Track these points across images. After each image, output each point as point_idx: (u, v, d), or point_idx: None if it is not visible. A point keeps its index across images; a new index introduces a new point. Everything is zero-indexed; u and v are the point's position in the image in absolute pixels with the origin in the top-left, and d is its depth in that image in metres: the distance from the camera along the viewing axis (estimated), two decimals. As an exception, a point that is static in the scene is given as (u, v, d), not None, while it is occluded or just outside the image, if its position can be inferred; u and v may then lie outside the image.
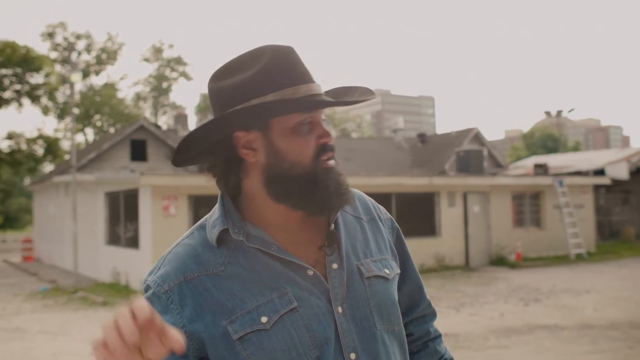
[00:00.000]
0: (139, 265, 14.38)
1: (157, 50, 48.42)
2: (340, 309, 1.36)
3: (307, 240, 1.41)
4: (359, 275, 1.41)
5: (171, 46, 49.36)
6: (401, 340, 1.48)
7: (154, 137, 25.52)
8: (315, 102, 1.34)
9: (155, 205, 13.96)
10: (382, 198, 15.99)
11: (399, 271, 1.53)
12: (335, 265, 1.39)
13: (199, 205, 14.54)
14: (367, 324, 1.39)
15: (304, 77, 1.36)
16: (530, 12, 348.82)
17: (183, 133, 28.31)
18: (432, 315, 1.69)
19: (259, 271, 1.35)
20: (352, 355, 1.35)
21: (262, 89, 1.32)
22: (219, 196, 1.44)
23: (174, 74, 48.90)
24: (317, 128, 1.37)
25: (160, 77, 48.29)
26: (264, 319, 1.30)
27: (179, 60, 48.46)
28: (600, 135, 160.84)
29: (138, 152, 25.24)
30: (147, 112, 48.96)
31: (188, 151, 1.38)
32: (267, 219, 1.39)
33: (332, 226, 1.43)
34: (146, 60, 48.70)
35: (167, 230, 13.93)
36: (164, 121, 48.97)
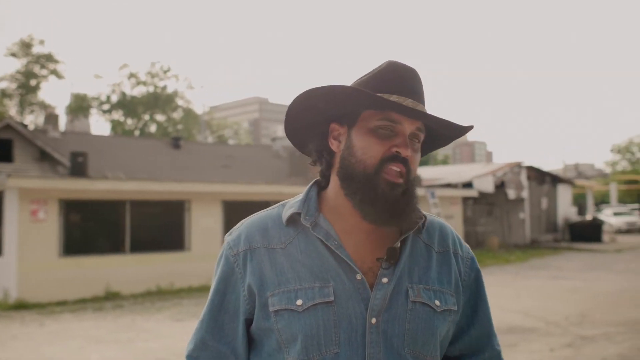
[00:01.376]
0: (2, 272, 13.50)
1: (26, 45, 45.86)
2: (374, 320, 1.41)
3: (370, 248, 1.48)
4: (405, 296, 1.45)
5: (42, 42, 46.65)
6: None
7: (20, 136, 24.13)
8: (397, 105, 1.39)
9: (23, 209, 13.18)
10: (262, 206, 15.96)
11: (455, 309, 1.53)
12: (385, 280, 1.44)
13: (71, 210, 13.89)
14: (397, 343, 1.42)
15: (402, 90, 1.45)
16: (398, 24, 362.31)
17: (54, 134, 26.94)
18: None
19: (312, 259, 1.46)
20: None
21: (368, 88, 1.45)
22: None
23: (44, 71, 46.51)
24: (398, 138, 1.43)
25: (28, 74, 45.76)
26: (299, 302, 1.41)
27: (50, 57, 46.14)
28: (467, 150, 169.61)
29: (3, 152, 23.78)
30: (13, 110, 46.22)
31: (294, 118, 1.52)
32: (340, 215, 1.49)
33: (398, 244, 1.48)
34: (13, 55, 45.99)
35: (35, 235, 13.19)
36: (31, 120, 46.41)
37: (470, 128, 1.50)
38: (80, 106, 45.35)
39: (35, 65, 46.25)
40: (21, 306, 12.53)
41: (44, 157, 24.38)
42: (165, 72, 47.67)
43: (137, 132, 46.78)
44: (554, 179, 31.16)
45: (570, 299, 12.90)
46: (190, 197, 15.77)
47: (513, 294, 13.67)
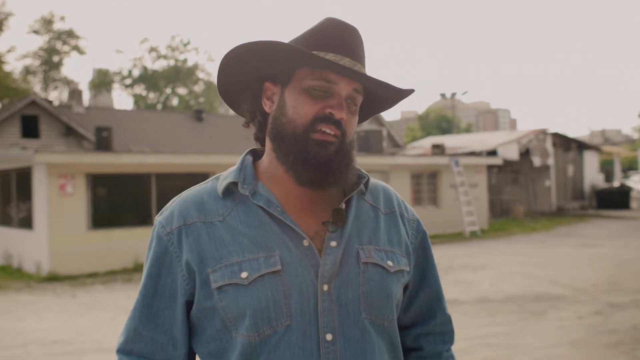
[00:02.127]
0: (34, 246, 13.75)
1: (48, 22, 45.98)
2: (325, 287, 1.32)
3: (314, 213, 1.40)
4: (356, 258, 1.37)
5: (62, 18, 46.74)
6: (392, 339, 1.43)
7: (46, 113, 24.35)
8: (333, 64, 1.32)
9: (51, 184, 13.35)
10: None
11: (407, 269, 1.47)
12: (334, 243, 1.36)
13: (98, 183, 14.05)
14: (352, 309, 1.34)
15: (339, 48, 1.36)
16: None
17: (78, 109, 27.15)
18: (450, 336, 1.60)
19: (254, 228, 1.36)
20: (329, 336, 1.32)
21: (301, 45, 1.37)
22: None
23: (66, 48, 46.67)
24: (333, 99, 1.35)
25: (50, 51, 45.96)
26: (243, 275, 1.31)
27: (71, 33, 46.19)
28: (490, 118, 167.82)
29: (29, 128, 24.04)
30: (37, 87, 46.58)
31: (225, 76, 1.44)
32: (278, 180, 1.41)
33: (343, 205, 1.40)
34: (35, 32, 46.18)
35: (63, 209, 13.38)
36: (55, 96, 46.76)
37: (411, 91, 1.43)
38: (102, 81, 45.51)
39: (57, 42, 46.42)
40: (53, 278, 12.77)
41: (69, 133, 24.60)
42: (185, 45, 47.56)
43: (159, 106, 46.92)
44: (580, 146, 30.78)
45: (598, 266, 12.82)
46: (214, 169, 15.84)
47: (540, 262, 13.62)
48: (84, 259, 13.49)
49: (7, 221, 15.81)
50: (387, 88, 1.40)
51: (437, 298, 1.57)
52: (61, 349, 7.38)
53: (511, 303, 9.31)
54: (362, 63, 1.39)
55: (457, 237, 19.85)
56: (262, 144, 1.47)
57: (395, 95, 1.45)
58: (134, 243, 14.08)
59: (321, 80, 1.34)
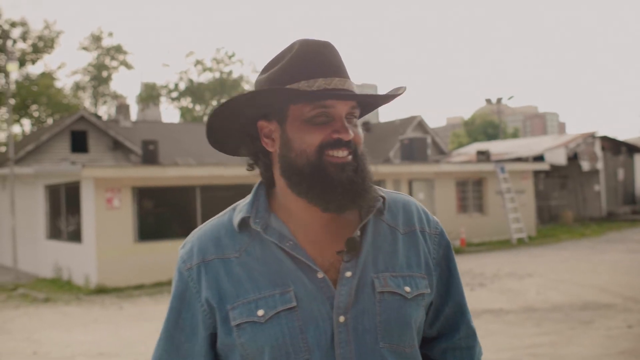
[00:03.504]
0: (82, 259, 14.07)
1: (96, 39, 47.14)
2: (342, 318, 1.33)
3: (329, 242, 1.39)
4: (372, 287, 1.37)
5: (111, 34, 47.89)
6: None
7: (94, 127, 24.93)
8: (330, 94, 1.34)
9: (99, 197, 13.66)
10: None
11: (428, 291, 1.45)
12: (348, 274, 1.36)
13: (144, 196, 14.31)
14: (369, 339, 1.35)
15: (326, 70, 1.37)
16: (471, 1, 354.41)
17: (125, 123, 27.73)
18: (476, 351, 1.58)
19: (269, 264, 1.37)
20: None
21: (285, 79, 1.37)
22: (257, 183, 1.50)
23: (114, 63, 47.77)
24: (336, 123, 1.36)
25: (99, 66, 47.07)
26: (260, 312, 1.33)
27: (119, 49, 47.31)
28: (538, 122, 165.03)
29: (78, 143, 24.62)
30: (87, 102, 47.76)
31: (218, 130, 1.44)
32: (292, 212, 1.41)
33: (358, 232, 1.39)
34: (85, 48, 47.37)
35: (111, 223, 13.65)
36: (104, 111, 47.83)
37: (397, 94, 1.43)
38: (150, 95, 46.36)
39: (106, 57, 47.56)
40: (101, 290, 13.03)
41: (117, 147, 25.13)
42: (230, 57, 48.14)
43: (205, 118, 47.60)
44: (631, 149, 30.00)
45: (650, 272, 12.46)
46: (258, 180, 15.96)
47: (589, 269, 13.31)
48: (130, 271, 13.73)
49: (57, 234, 16.22)
50: (378, 98, 1.44)
51: (461, 311, 1.56)
52: (107, 361, 7.52)
53: (558, 312, 9.11)
54: (347, 75, 1.40)
55: (503, 244, 19.54)
56: (270, 182, 1.47)
57: (385, 99, 1.46)
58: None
59: (320, 108, 1.35)
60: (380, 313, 1.35)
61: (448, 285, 1.53)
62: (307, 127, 1.35)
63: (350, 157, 1.35)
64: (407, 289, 1.40)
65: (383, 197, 1.46)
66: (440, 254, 1.52)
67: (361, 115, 1.50)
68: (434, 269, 1.49)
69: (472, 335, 1.57)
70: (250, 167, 1.52)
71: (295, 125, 1.36)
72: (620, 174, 29.05)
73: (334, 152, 1.34)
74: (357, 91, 1.41)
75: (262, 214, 1.41)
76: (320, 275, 1.35)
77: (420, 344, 1.49)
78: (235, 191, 15.85)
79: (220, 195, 15.60)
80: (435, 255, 1.50)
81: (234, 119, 1.42)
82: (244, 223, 1.41)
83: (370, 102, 1.48)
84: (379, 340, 1.35)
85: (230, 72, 48.11)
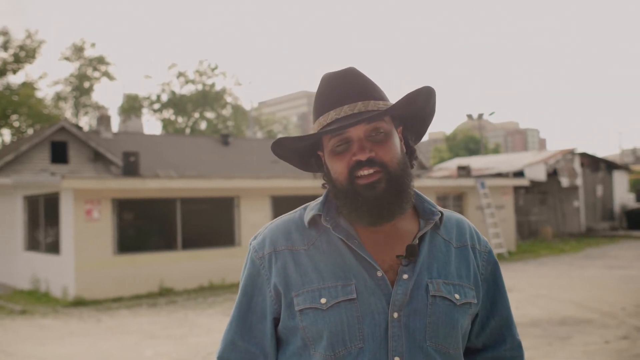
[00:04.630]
0: (61, 271, 13.92)
1: (79, 49, 46.93)
2: (396, 315, 1.46)
3: (390, 247, 1.53)
4: (426, 291, 1.50)
5: (93, 45, 47.63)
6: None
7: (75, 138, 24.74)
8: (332, 130, 1.46)
9: (78, 209, 13.54)
10: (310, 200, 15.98)
11: (475, 301, 1.57)
12: (405, 276, 1.49)
13: (124, 208, 14.21)
14: (418, 336, 1.47)
15: (335, 101, 1.51)
16: (451, 16, 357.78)
17: (106, 135, 27.58)
18: None
19: (334, 258, 1.51)
20: (397, 359, 1.45)
21: (315, 117, 1.57)
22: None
23: (96, 74, 47.55)
24: (353, 146, 1.49)
25: (81, 77, 46.82)
26: (323, 300, 1.47)
27: (101, 60, 47.10)
28: (519, 138, 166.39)
29: (59, 154, 24.40)
30: (68, 113, 47.43)
31: (280, 149, 1.61)
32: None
33: (416, 240, 1.53)
34: (67, 59, 47.14)
35: (90, 234, 13.54)
36: (86, 122, 47.52)
37: (424, 88, 1.51)
38: (132, 106, 46.15)
39: (88, 68, 47.33)
40: (79, 303, 12.89)
41: (98, 158, 24.96)
42: (212, 69, 48.11)
43: (187, 130, 47.43)
44: (609, 165, 30.35)
45: (627, 289, 12.57)
46: (240, 193, 15.94)
47: (567, 285, 13.41)
48: (109, 283, 13.61)
49: (35, 246, 16.04)
50: (401, 104, 1.50)
51: (507, 324, 1.67)
52: (83, 374, 7.43)
53: (536, 327, 9.16)
54: (365, 97, 1.51)
55: (483, 259, 19.59)
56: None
57: (416, 100, 1.52)
58: (159, 267, 14.19)
59: (336, 137, 1.50)
60: (431, 315, 1.48)
61: (495, 299, 1.65)
62: (334, 157, 1.52)
63: (379, 174, 1.47)
64: (457, 296, 1.52)
65: (441, 213, 1.61)
66: (489, 270, 1.65)
67: (420, 129, 1.64)
68: (482, 284, 1.62)
69: (517, 347, 1.68)
70: (324, 187, 1.63)
71: (328, 156, 1.55)
72: (599, 190, 29.36)
73: (360, 172, 1.47)
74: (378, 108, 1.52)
75: (332, 214, 1.56)
76: (379, 273, 1.48)
77: (465, 353, 1.62)
78: (215, 203, 15.82)
79: (200, 208, 15.55)
80: (483, 271, 1.63)
81: (293, 151, 1.62)
82: (314, 220, 1.57)
83: (409, 110, 1.57)
84: (426, 339, 1.47)
85: (213, 85, 48.08)
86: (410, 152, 1.61)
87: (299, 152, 1.61)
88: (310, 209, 1.60)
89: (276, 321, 1.56)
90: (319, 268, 1.51)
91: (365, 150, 1.47)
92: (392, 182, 1.48)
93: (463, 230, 1.65)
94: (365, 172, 1.46)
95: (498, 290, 1.66)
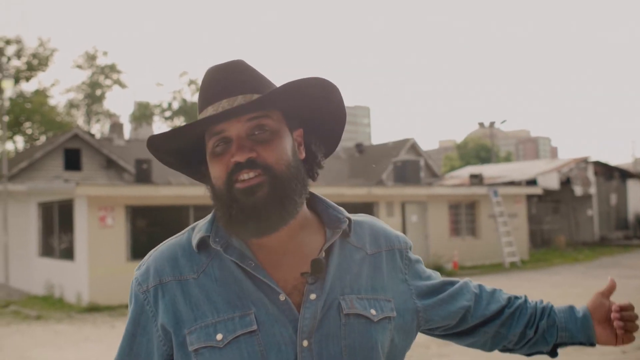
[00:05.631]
0: (75, 277, 13.98)
1: (91, 57, 47.28)
2: (305, 343, 1.27)
3: (293, 264, 1.33)
4: (338, 310, 1.31)
5: (105, 53, 48.06)
6: None
7: (88, 146, 24.92)
8: (205, 121, 1.28)
9: (91, 215, 13.61)
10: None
11: (393, 315, 1.39)
12: (313, 296, 1.30)
13: (137, 215, 14.27)
14: None
15: (214, 96, 1.33)
16: (462, 24, 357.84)
17: (119, 142, 27.75)
18: (510, 296, 1.64)
19: (229, 285, 1.31)
20: None
21: (199, 112, 1.37)
22: None
23: (108, 81, 47.88)
24: (232, 146, 1.30)
25: (93, 85, 47.17)
26: (219, 336, 1.27)
27: (113, 68, 47.44)
28: (530, 146, 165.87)
29: (72, 161, 24.59)
30: (80, 120, 47.76)
31: (159, 148, 1.39)
32: None
33: (323, 254, 1.34)
34: (79, 67, 47.50)
35: (103, 241, 13.60)
36: (98, 129, 47.87)
37: (314, 79, 1.32)
38: (143, 114, 46.41)
39: (100, 76, 47.67)
40: (93, 309, 12.94)
41: (110, 165, 25.11)
42: (224, 77, 48.39)
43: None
44: (623, 174, 30.22)
45: (643, 298, 12.47)
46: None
47: (582, 294, 13.31)
48: (123, 289, 13.57)
49: (49, 252, 16.13)
50: (284, 92, 1.30)
51: (476, 299, 1.57)
52: (99, 380, 7.45)
53: (552, 336, 9.09)
54: (248, 90, 1.32)
55: (496, 268, 19.55)
56: None
57: (298, 90, 1.32)
58: (172, 274, 14.21)
59: (214, 136, 1.31)
60: (346, 337, 1.29)
61: (441, 290, 1.52)
62: (213, 160, 1.32)
63: (261, 177, 1.27)
64: (373, 311, 1.34)
65: (349, 219, 1.42)
66: (412, 269, 1.49)
67: (331, 137, 1.45)
68: (410, 284, 1.46)
69: (491, 292, 1.61)
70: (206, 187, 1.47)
71: (209, 160, 1.34)
72: (613, 199, 29.20)
73: (239, 176, 1.27)
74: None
75: (222, 234, 1.34)
76: (282, 297, 1.28)
77: (495, 339, 1.57)
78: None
79: (214, 215, 15.56)
80: (406, 272, 1.47)
81: (174, 157, 1.42)
82: (203, 243, 1.35)
83: (314, 112, 1.40)
84: None
85: (224, 92, 48.28)
86: (311, 158, 1.39)
87: (183, 156, 1.40)
88: (198, 230, 1.38)
89: None
90: (212, 298, 1.29)
91: (244, 150, 1.27)
92: (276, 187, 1.27)
93: (377, 234, 1.46)
94: (244, 175, 1.26)
95: (442, 284, 1.53)
